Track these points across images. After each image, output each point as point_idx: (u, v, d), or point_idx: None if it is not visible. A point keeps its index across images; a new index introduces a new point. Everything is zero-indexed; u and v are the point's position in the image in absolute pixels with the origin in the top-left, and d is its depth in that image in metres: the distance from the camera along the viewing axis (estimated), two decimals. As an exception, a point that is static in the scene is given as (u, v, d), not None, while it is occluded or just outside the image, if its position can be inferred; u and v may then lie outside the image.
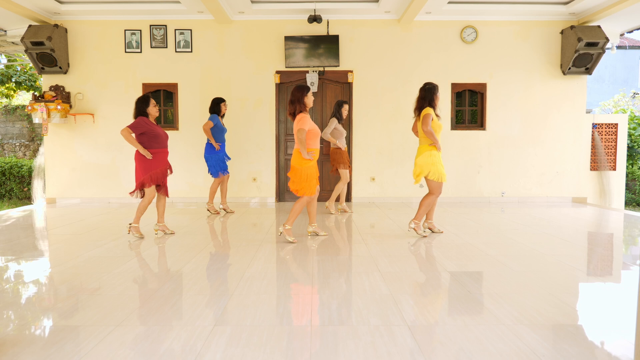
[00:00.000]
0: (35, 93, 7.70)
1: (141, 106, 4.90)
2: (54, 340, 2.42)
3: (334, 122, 6.30)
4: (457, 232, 5.30)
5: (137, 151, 4.86)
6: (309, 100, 4.66)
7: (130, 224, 4.95)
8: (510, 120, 7.98)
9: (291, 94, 4.67)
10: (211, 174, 6.51)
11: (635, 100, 15.87)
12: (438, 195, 4.91)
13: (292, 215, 4.75)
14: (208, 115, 6.95)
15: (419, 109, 4.91)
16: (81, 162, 7.96)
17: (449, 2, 7.21)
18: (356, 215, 6.54)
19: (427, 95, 4.86)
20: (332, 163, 6.54)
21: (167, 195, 5.13)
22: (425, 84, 4.92)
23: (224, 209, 6.80)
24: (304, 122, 4.56)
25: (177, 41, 7.81)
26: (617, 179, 8.40)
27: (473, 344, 2.36)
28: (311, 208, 4.93)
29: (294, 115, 4.67)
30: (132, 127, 4.78)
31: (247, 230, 5.46)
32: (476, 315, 2.79)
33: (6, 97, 13.04)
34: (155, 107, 4.97)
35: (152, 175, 4.86)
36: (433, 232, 5.22)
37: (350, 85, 7.91)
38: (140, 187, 4.88)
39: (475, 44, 7.87)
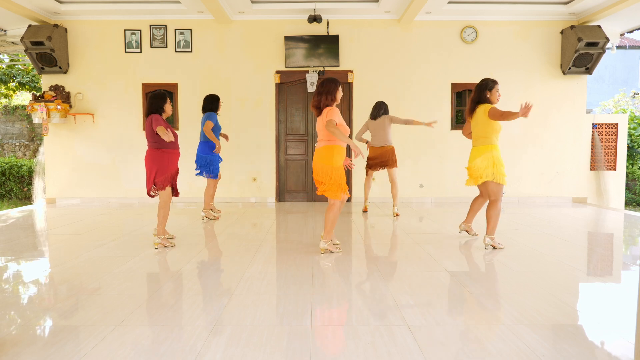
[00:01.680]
0: (35, 93, 7.71)
1: (159, 102, 4.52)
2: (54, 340, 2.42)
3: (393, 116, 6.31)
4: (457, 231, 5.29)
5: (150, 152, 4.54)
6: (339, 95, 4.15)
7: (159, 239, 4.56)
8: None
9: (321, 86, 4.10)
10: (212, 176, 5.99)
11: (635, 100, 15.86)
12: (500, 200, 4.35)
13: (329, 227, 4.24)
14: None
15: (472, 110, 4.48)
16: (81, 162, 7.96)
17: (449, 2, 7.21)
18: (356, 216, 6.54)
19: (478, 92, 4.42)
20: (391, 160, 6.31)
21: (177, 195, 4.80)
22: (485, 79, 4.48)
23: (211, 210, 6.32)
24: (333, 114, 4.00)
25: (177, 41, 7.81)
26: (617, 179, 8.40)
27: (473, 344, 2.36)
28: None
29: (319, 109, 4.14)
30: (157, 122, 4.41)
31: (247, 230, 5.46)
32: (476, 315, 2.79)
33: (5, 97, 13.05)
34: (170, 105, 4.66)
35: (167, 177, 4.57)
36: (469, 234, 5.02)
37: (350, 85, 7.91)
38: (152, 186, 4.57)
39: (475, 44, 7.87)
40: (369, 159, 6.52)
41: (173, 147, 4.62)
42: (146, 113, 4.59)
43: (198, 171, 6.02)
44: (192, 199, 7.88)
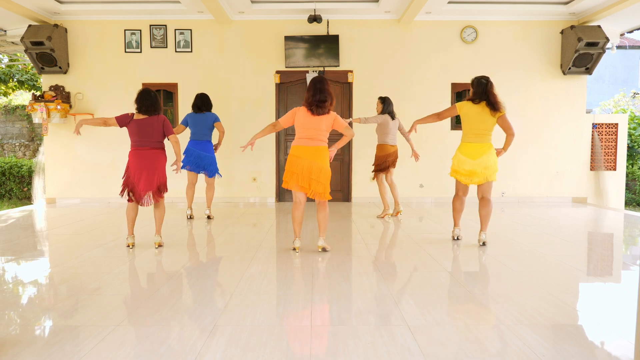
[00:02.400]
0: (35, 93, 7.71)
1: (159, 102, 4.45)
2: (54, 340, 2.42)
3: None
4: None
5: (159, 153, 4.41)
6: None
7: (159, 238, 4.51)
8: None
9: (327, 92, 4.10)
10: (217, 174, 6.06)
11: (635, 100, 15.87)
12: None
13: (324, 225, 4.30)
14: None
15: (493, 103, 4.64)
16: (81, 162, 7.96)
17: (449, 2, 7.21)
18: (356, 216, 6.54)
19: (497, 97, 4.64)
20: (394, 161, 6.18)
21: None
22: (488, 78, 4.65)
23: (191, 215, 6.25)
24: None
25: (177, 41, 7.81)
26: (617, 179, 8.40)
27: (473, 344, 2.36)
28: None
29: (325, 108, 4.10)
30: (173, 130, 4.44)
31: (247, 230, 5.46)
32: (476, 315, 2.79)
33: (4, 95, 13.04)
34: None
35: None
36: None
37: (350, 85, 7.91)
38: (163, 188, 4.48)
39: (475, 44, 7.87)
40: (384, 157, 6.11)
41: None
42: (149, 110, 4.37)
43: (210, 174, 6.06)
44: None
